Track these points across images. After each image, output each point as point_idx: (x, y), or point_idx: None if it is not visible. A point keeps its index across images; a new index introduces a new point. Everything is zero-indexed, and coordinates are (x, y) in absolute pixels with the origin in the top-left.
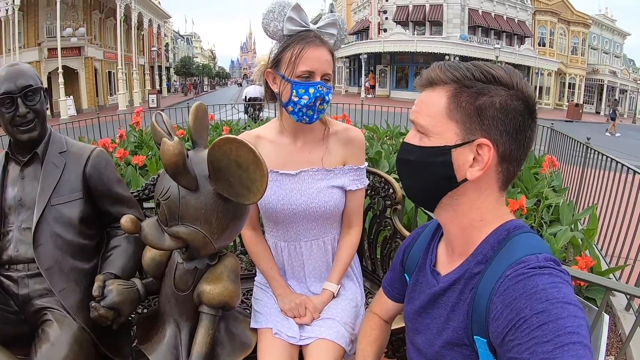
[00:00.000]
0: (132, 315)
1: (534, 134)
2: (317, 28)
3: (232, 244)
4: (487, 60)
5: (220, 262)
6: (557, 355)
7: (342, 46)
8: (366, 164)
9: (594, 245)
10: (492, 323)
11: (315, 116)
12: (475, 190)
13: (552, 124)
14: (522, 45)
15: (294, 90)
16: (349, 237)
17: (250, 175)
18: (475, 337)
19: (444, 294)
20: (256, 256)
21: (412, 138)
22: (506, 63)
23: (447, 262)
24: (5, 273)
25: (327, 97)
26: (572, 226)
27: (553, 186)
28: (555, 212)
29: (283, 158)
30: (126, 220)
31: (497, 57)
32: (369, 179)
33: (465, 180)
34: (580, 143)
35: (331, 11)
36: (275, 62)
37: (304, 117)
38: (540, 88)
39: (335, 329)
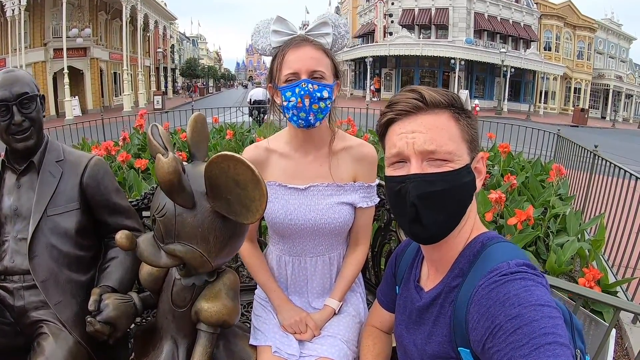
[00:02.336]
0: (130, 329)
1: None
2: (307, 32)
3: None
4: (493, 64)
5: (219, 279)
6: (534, 357)
7: (347, 49)
8: (377, 181)
9: (601, 256)
10: (472, 333)
11: (311, 118)
12: (472, 204)
13: (559, 129)
14: (527, 50)
15: (283, 96)
16: (355, 254)
17: (249, 194)
18: (459, 348)
19: (427, 310)
20: (253, 269)
21: (426, 168)
22: (512, 67)
23: (430, 278)
24: (1, 284)
25: (318, 94)
26: (579, 236)
27: (560, 194)
28: (562, 222)
29: (292, 171)
30: (121, 236)
31: (502, 61)
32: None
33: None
34: (588, 150)
35: (337, 14)
36: (270, 76)
37: (300, 120)
38: (546, 93)
39: (337, 347)
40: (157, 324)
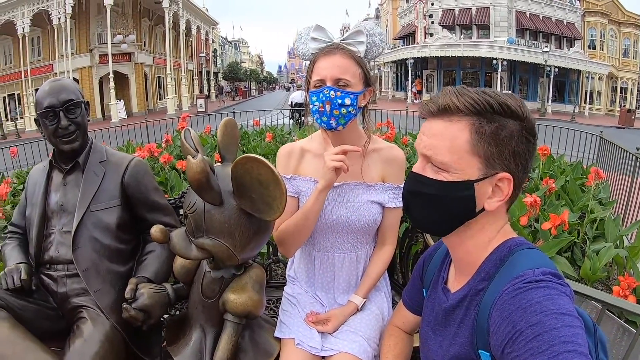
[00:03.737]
0: (164, 318)
1: None
2: (342, 40)
3: (265, 252)
4: (536, 64)
5: (246, 273)
6: None
7: (387, 51)
8: None
9: (638, 265)
10: (492, 337)
11: (332, 122)
12: (489, 216)
13: (602, 131)
14: (571, 49)
15: (310, 100)
16: (382, 253)
17: (271, 192)
18: (480, 351)
19: (453, 311)
20: (290, 222)
21: (425, 170)
22: (556, 67)
23: (456, 280)
24: (46, 272)
25: (339, 101)
26: (618, 242)
27: (600, 199)
28: (601, 227)
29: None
30: (155, 230)
31: (545, 60)
32: None
33: (482, 210)
34: (630, 153)
35: (377, 16)
36: (306, 80)
37: (322, 123)
38: (591, 93)
39: (358, 343)
40: (188, 313)
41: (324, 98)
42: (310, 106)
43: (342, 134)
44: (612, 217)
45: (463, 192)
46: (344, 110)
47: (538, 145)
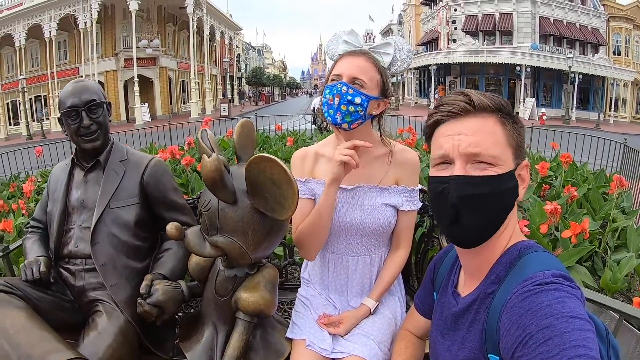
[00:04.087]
0: (178, 315)
1: None
2: (370, 48)
3: (281, 254)
4: (560, 71)
5: (259, 272)
6: None
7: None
8: (420, 185)
9: None
10: (502, 340)
11: (337, 117)
12: (514, 208)
13: (626, 139)
14: (596, 54)
15: (323, 93)
16: (396, 256)
17: (283, 192)
18: (489, 355)
19: (463, 315)
20: (306, 223)
21: (473, 170)
22: (580, 73)
23: (466, 285)
24: (65, 266)
25: (348, 97)
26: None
27: (622, 207)
28: (623, 237)
29: None
30: (171, 227)
31: (570, 67)
32: (419, 197)
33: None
34: None
35: (400, 22)
36: (326, 78)
37: (328, 117)
38: (616, 100)
39: (369, 346)
40: (201, 311)
41: (335, 91)
42: (323, 99)
43: (354, 137)
44: (635, 227)
45: (511, 182)
46: (351, 108)
47: (561, 153)
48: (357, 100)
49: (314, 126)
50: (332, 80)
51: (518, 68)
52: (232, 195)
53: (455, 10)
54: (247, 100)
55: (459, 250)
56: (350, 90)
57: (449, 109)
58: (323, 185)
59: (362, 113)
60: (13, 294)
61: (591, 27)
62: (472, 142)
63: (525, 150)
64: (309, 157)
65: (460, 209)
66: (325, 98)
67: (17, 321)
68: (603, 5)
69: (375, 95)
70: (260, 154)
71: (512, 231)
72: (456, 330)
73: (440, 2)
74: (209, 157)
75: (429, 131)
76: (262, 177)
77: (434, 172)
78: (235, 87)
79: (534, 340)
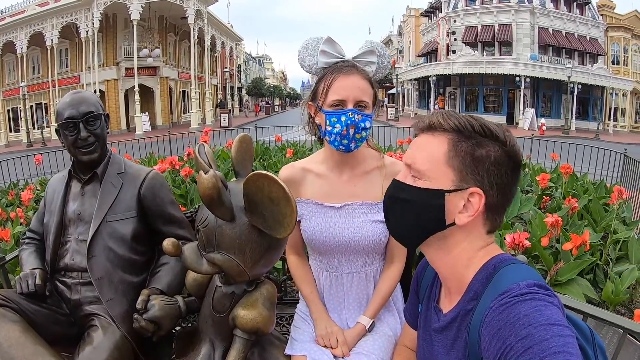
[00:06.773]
0: (175, 330)
1: (517, 189)
2: (354, 57)
3: (280, 268)
4: (559, 81)
5: (257, 289)
6: None
7: (410, 68)
8: None
9: None
10: (484, 355)
11: (352, 145)
12: (462, 233)
13: (626, 149)
14: (595, 64)
15: (327, 120)
16: (390, 271)
17: (282, 210)
18: None
19: (443, 332)
20: (298, 279)
21: (405, 178)
22: (579, 83)
23: (447, 300)
24: (61, 279)
25: (362, 125)
26: None
27: (623, 218)
28: (624, 248)
29: (328, 190)
30: (167, 243)
31: (569, 77)
32: None
33: (453, 224)
34: None
35: (399, 34)
36: (313, 95)
37: (340, 146)
38: (615, 110)
39: None
40: (198, 327)
41: (348, 122)
42: (329, 127)
43: (348, 154)
44: (636, 238)
45: (435, 200)
46: (363, 134)
47: (561, 164)
48: (367, 124)
49: (313, 137)
50: (334, 106)
51: (517, 79)
52: (229, 213)
53: (455, 21)
54: (247, 109)
55: (431, 263)
56: (361, 117)
57: (415, 125)
58: (310, 205)
59: (368, 133)
60: (7, 307)
61: (590, 37)
62: (409, 155)
63: (487, 178)
64: (295, 175)
65: (387, 207)
66: (334, 128)
67: (11, 335)
68: (601, 15)
69: (372, 111)
70: (258, 171)
71: (474, 251)
72: (438, 346)
73: (440, 14)
74: (205, 174)
75: None
76: (260, 194)
77: None
78: (236, 97)
79: (514, 350)
